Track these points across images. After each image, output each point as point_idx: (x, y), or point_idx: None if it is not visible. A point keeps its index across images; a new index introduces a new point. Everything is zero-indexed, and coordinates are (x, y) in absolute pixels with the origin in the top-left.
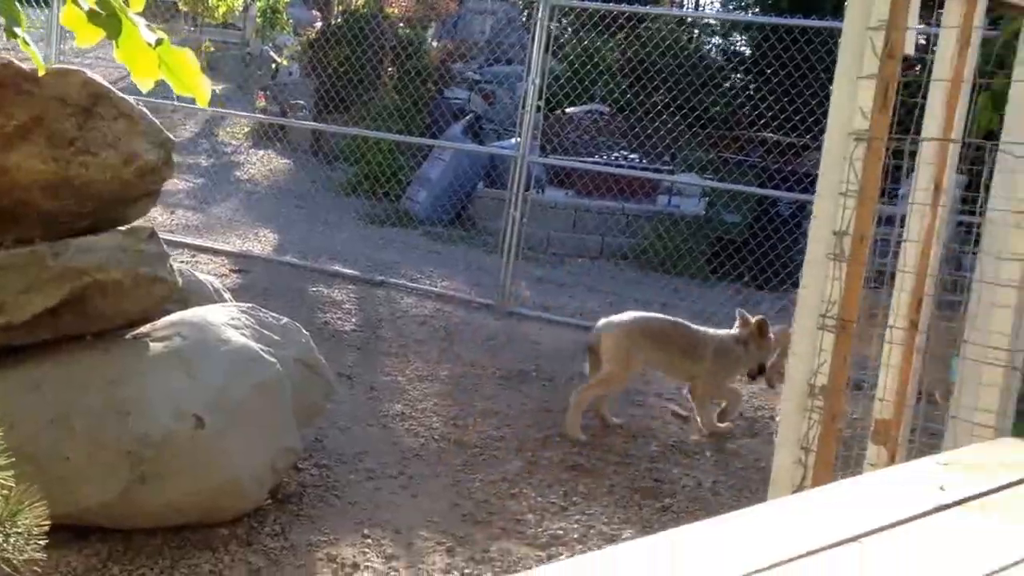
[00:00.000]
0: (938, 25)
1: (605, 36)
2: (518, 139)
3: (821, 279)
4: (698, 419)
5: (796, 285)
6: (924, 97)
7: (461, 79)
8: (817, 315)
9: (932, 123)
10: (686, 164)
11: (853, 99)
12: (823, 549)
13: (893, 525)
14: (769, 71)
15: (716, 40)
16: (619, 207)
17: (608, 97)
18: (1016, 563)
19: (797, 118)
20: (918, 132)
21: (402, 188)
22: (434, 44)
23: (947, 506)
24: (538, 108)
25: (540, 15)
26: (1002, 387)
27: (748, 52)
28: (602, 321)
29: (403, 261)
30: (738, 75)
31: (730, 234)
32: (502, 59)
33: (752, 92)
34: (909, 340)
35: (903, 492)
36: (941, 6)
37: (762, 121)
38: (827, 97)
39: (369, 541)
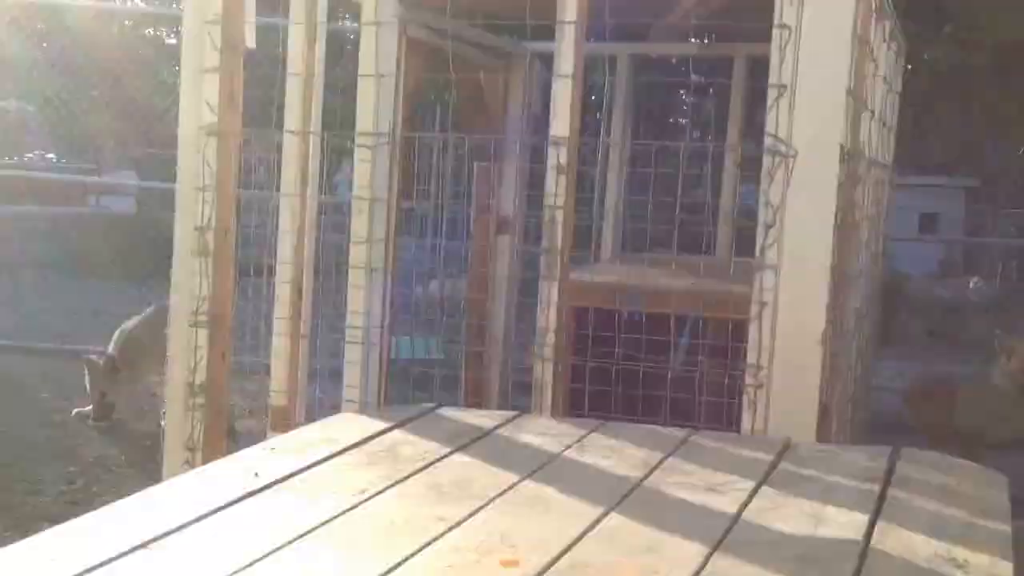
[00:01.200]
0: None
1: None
2: None
3: (190, 276)
4: None
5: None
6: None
7: None
8: (190, 312)
9: (291, 117)
10: (118, 161)
11: (200, 93)
12: (111, 560)
13: (193, 522)
14: None
15: (149, 31)
16: (41, 212)
17: (41, 94)
18: (304, 535)
19: None
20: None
21: None
22: None
23: (256, 492)
24: None
25: None
26: (361, 363)
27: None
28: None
29: None
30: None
31: (164, 232)
32: None
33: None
34: (294, 329)
35: (217, 485)
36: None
37: None
38: None
39: None
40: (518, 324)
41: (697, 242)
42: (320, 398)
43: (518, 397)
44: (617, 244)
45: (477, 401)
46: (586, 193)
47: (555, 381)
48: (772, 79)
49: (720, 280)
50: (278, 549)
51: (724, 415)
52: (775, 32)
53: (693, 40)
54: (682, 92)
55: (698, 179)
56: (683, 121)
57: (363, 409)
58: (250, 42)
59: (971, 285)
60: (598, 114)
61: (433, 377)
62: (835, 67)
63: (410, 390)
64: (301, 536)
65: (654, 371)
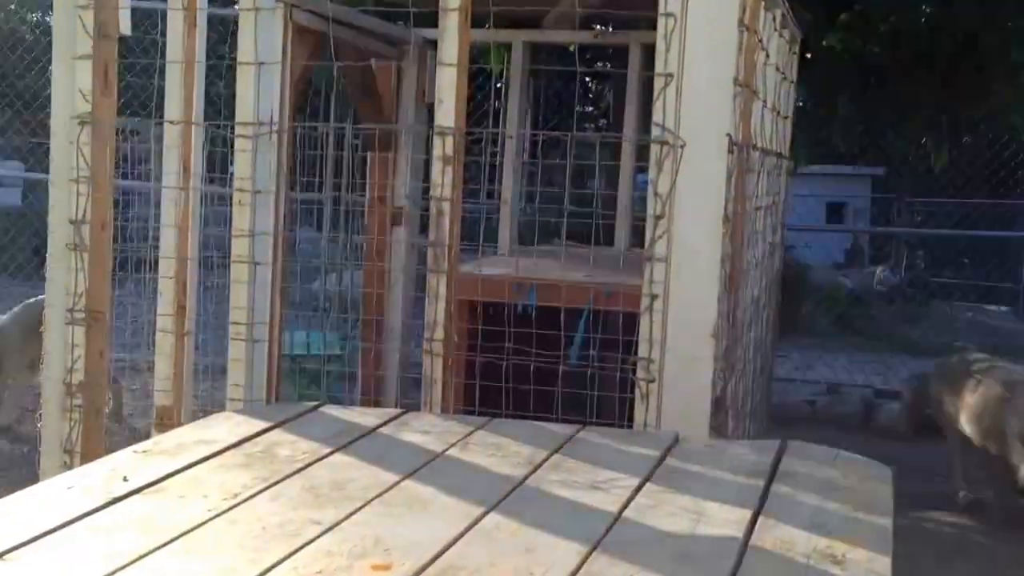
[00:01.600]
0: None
1: None
2: None
3: (66, 271)
4: None
5: None
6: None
7: None
8: (65, 309)
9: (172, 105)
10: (3, 151)
11: (73, 80)
12: None
13: (54, 530)
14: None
15: (34, 16)
16: None
17: None
18: (171, 541)
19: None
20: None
21: None
22: None
23: (122, 497)
24: None
25: None
26: (245, 360)
27: None
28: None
29: None
30: None
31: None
32: None
33: None
34: (178, 326)
35: (84, 490)
36: None
37: None
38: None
39: None
40: (416, 319)
41: (596, 234)
42: (214, 396)
43: (416, 393)
44: (514, 236)
45: (373, 398)
46: (487, 185)
47: (445, 377)
48: (658, 68)
49: (614, 272)
50: (142, 557)
51: (617, 410)
52: (660, 20)
53: (597, 27)
54: (588, 80)
55: (598, 169)
56: (589, 109)
57: (247, 408)
58: (125, 28)
59: (877, 274)
60: (496, 103)
61: (329, 373)
62: (722, 56)
63: (304, 387)
64: (168, 542)
65: (547, 366)
